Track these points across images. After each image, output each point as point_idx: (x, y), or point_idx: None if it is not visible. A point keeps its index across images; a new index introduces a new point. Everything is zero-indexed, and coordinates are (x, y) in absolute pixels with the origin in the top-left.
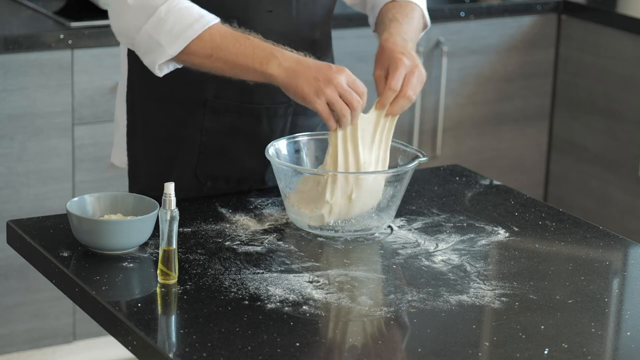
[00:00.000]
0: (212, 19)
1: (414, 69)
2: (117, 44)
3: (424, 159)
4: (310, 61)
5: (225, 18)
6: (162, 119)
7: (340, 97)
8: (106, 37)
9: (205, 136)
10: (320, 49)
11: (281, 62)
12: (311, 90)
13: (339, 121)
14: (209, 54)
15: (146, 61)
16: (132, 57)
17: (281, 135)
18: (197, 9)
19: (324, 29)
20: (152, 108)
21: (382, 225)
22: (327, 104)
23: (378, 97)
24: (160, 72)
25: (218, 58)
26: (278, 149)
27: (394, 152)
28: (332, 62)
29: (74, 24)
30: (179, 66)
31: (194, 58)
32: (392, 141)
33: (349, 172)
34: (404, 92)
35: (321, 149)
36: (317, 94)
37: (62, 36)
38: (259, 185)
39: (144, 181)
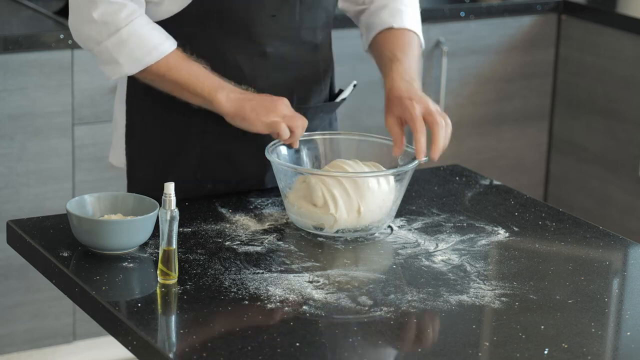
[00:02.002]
0: (171, 46)
1: (426, 105)
2: None
3: (424, 159)
4: (254, 94)
5: (229, 21)
6: (161, 121)
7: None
8: None
9: (206, 139)
10: (321, 51)
11: (228, 93)
12: (253, 116)
13: (292, 130)
14: (162, 74)
15: (102, 69)
16: None
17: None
18: (157, 33)
19: (326, 32)
20: (151, 110)
21: (382, 226)
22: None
23: (395, 145)
24: (111, 78)
25: (169, 80)
26: (278, 149)
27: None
28: (333, 64)
29: None
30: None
31: (147, 75)
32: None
33: (349, 173)
34: (438, 123)
35: (320, 149)
36: (264, 115)
37: (62, 36)
38: (258, 186)
39: (142, 183)
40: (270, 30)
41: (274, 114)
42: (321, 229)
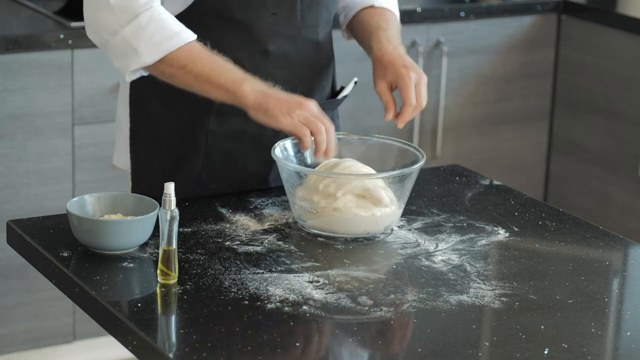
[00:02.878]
0: (191, 35)
1: (420, 79)
2: None
3: (422, 161)
4: (283, 92)
5: (230, 21)
6: (167, 122)
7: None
8: None
9: (210, 139)
10: (323, 50)
11: (254, 85)
12: (280, 112)
13: (314, 139)
14: (183, 65)
15: (117, 64)
16: None
17: (285, 137)
18: (177, 23)
19: (327, 30)
20: (156, 110)
21: (388, 228)
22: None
23: (385, 109)
24: (129, 78)
25: (191, 71)
26: (284, 148)
27: (393, 151)
28: (334, 62)
29: (74, 24)
30: (146, 74)
31: (167, 67)
32: (392, 140)
33: (350, 175)
34: (419, 104)
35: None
36: (288, 113)
37: (62, 36)
38: (261, 186)
39: (147, 183)
40: (272, 29)
41: (298, 112)
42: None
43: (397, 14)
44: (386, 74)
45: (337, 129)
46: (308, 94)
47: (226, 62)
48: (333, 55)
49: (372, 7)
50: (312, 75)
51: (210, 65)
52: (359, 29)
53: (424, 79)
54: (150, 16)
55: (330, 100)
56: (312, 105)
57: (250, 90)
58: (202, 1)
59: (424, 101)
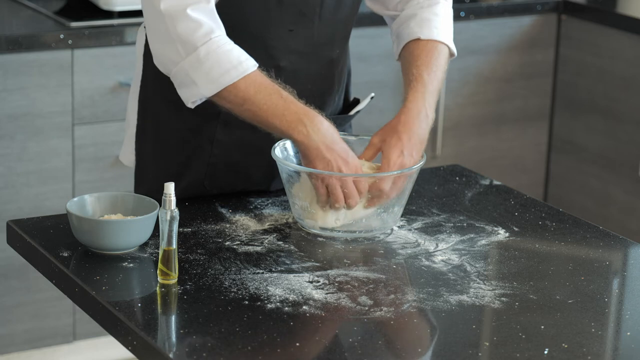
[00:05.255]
0: (251, 67)
1: (399, 179)
2: (117, 44)
3: (422, 161)
4: (335, 144)
5: (245, 34)
6: (173, 124)
7: (342, 187)
8: (106, 37)
9: (215, 148)
10: (337, 66)
11: (308, 133)
12: (320, 168)
13: (331, 204)
14: (241, 103)
15: (180, 93)
16: (148, 58)
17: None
18: (236, 53)
19: (342, 46)
20: (164, 112)
21: (387, 228)
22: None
23: (364, 156)
24: (192, 105)
25: (248, 109)
26: (284, 148)
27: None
28: (349, 75)
29: (74, 24)
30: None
31: (226, 103)
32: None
33: (352, 175)
34: (387, 195)
35: None
36: (322, 179)
37: (62, 36)
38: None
39: (149, 183)
40: (287, 45)
41: (331, 182)
42: (327, 229)
43: (449, 41)
44: (386, 131)
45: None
46: (319, 108)
47: (285, 98)
48: (349, 68)
49: (418, 40)
50: (323, 91)
51: (267, 105)
52: (403, 70)
53: (403, 182)
54: (209, 49)
55: (343, 115)
56: (350, 180)
57: (303, 138)
58: (220, 12)
59: (392, 194)
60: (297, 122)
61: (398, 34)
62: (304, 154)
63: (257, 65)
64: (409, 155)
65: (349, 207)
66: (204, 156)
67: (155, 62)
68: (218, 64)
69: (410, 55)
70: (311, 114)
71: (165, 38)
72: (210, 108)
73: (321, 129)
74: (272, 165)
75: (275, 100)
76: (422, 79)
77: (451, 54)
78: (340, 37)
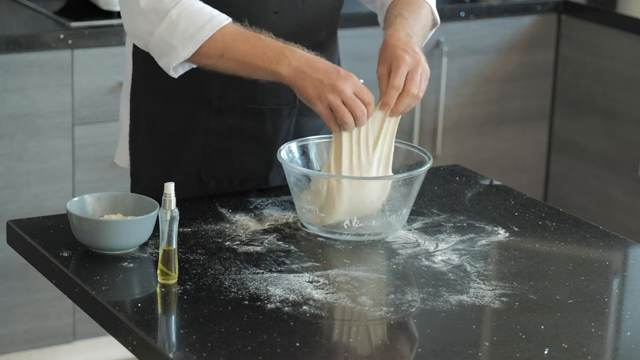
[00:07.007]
0: (224, 20)
1: (417, 65)
2: (117, 44)
3: (429, 163)
4: (320, 63)
5: (231, 17)
6: (166, 119)
7: (344, 103)
8: (106, 37)
9: (209, 136)
10: (326, 50)
11: (291, 62)
12: (315, 93)
13: (341, 126)
14: (221, 54)
15: (161, 63)
16: (137, 56)
17: (285, 135)
18: (208, 9)
19: (330, 30)
20: (156, 108)
21: (392, 230)
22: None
23: (380, 95)
24: (176, 74)
25: (229, 58)
26: (289, 150)
27: (399, 152)
28: (339, 64)
29: (74, 24)
30: (194, 66)
31: (207, 59)
32: (397, 141)
33: (355, 177)
34: (407, 90)
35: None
36: (319, 97)
37: (62, 36)
38: (262, 185)
39: (146, 181)
40: (273, 28)
41: (330, 96)
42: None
43: (434, 6)
44: (386, 57)
45: None
46: None
47: (262, 38)
48: (338, 56)
49: None
50: None
51: (246, 48)
52: (385, 20)
53: (422, 68)
54: (180, 10)
55: None
56: (347, 85)
57: (287, 69)
58: None
59: (414, 89)
60: (279, 55)
61: (383, 2)
62: (292, 84)
63: (230, 19)
64: (412, 51)
65: (357, 120)
66: (198, 145)
67: (132, 39)
68: (192, 22)
69: (390, 8)
70: (291, 47)
71: (136, 11)
72: (201, 95)
73: (303, 55)
74: (267, 152)
75: (254, 42)
76: (402, 16)
77: (434, 23)
78: (326, 20)
